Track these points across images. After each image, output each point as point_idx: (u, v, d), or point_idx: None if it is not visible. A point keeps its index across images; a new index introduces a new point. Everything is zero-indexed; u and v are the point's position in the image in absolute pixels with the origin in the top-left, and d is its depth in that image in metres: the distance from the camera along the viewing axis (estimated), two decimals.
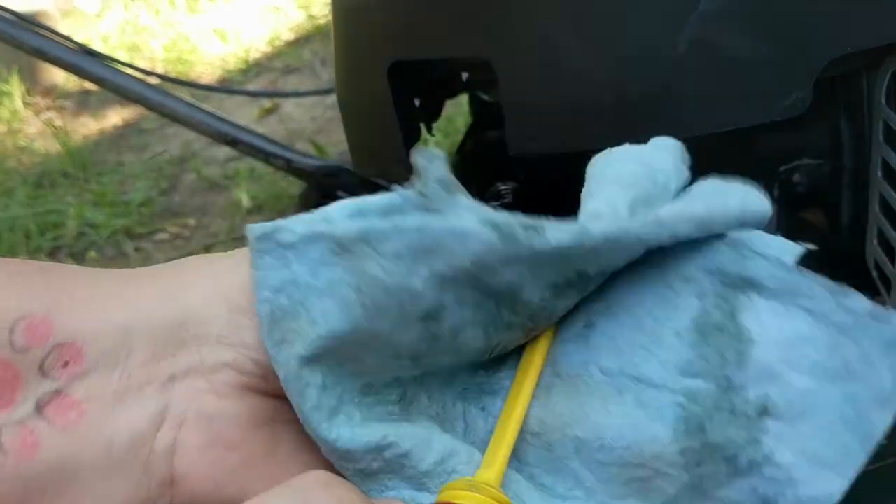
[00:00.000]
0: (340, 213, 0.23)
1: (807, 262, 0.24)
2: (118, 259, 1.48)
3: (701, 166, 0.49)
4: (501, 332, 0.25)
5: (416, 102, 0.52)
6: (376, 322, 0.23)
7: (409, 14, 0.43)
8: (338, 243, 0.23)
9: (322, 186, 1.17)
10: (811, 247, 0.25)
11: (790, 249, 0.24)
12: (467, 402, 0.27)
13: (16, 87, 2.31)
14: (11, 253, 1.52)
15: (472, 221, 0.22)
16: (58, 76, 2.36)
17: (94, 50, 1.18)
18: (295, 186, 1.43)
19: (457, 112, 1.54)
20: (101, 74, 1.11)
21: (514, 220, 0.23)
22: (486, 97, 0.54)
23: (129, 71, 1.16)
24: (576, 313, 0.26)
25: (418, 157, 0.23)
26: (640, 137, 0.40)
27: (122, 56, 1.98)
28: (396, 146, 0.46)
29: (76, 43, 1.16)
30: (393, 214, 0.23)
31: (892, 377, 0.22)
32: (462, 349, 0.25)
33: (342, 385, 0.24)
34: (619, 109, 0.39)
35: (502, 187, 0.50)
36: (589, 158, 0.42)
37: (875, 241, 0.45)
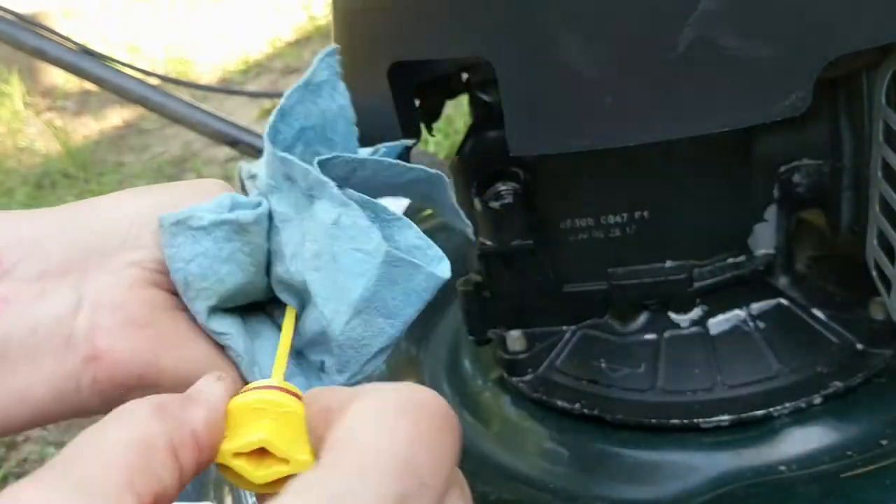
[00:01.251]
0: (225, 205, 0.32)
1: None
2: None
3: (701, 166, 0.49)
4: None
5: (416, 102, 0.52)
6: (258, 275, 0.34)
7: (408, 14, 0.43)
8: (240, 225, 0.32)
9: None
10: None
11: None
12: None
13: (16, 88, 2.32)
14: None
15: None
16: (58, 76, 2.36)
17: (94, 50, 1.18)
18: None
19: (457, 112, 1.54)
20: (101, 74, 1.11)
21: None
22: (486, 97, 0.54)
23: (129, 71, 1.16)
24: None
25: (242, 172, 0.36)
26: (640, 137, 0.40)
27: (122, 56, 1.98)
28: None
29: (76, 43, 1.16)
30: (260, 205, 0.33)
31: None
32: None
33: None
34: (619, 109, 0.39)
35: (502, 187, 0.50)
36: (589, 158, 0.42)
37: (875, 241, 0.45)
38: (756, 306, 0.52)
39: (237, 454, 0.27)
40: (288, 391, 0.29)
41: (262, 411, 0.28)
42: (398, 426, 0.22)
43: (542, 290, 0.53)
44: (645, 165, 0.49)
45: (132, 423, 0.24)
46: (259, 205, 0.33)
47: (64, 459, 0.22)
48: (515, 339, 0.55)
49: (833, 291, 0.52)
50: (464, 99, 0.58)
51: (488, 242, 0.51)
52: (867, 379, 0.49)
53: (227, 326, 0.33)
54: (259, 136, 1.16)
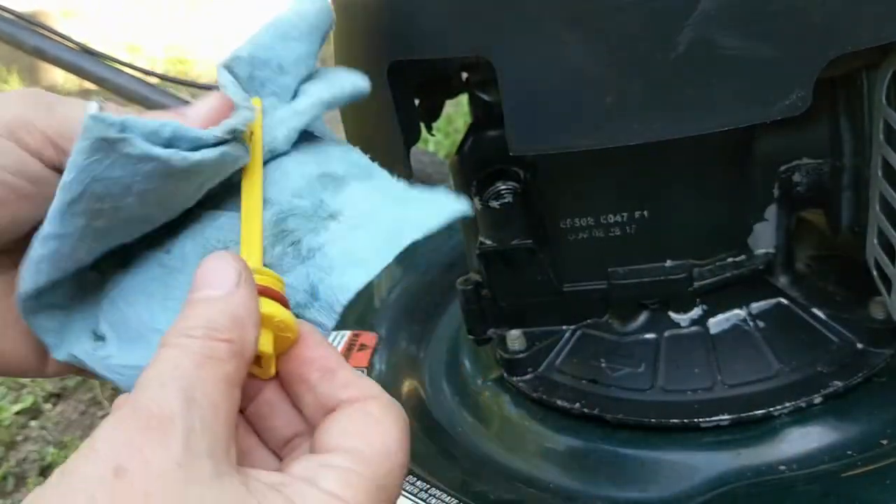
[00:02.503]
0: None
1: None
2: None
3: (701, 166, 0.49)
4: None
5: (416, 102, 0.52)
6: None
7: (408, 13, 0.43)
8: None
9: None
10: None
11: None
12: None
13: (15, 87, 2.32)
14: None
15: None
16: (58, 76, 2.36)
17: (94, 50, 1.18)
18: None
19: (457, 112, 1.54)
20: (101, 74, 1.11)
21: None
22: (486, 97, 0.54)
23: (129, 71, 1.16)
24: None
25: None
26: (640, 137, 0.40)
27: (122, 56, 1.98)
28: (396, 146, 0.46)
29: (76, 43, 1.16)
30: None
31: (434, 209, 0.32)
32: None
33: None
34: (619, 109, 0.39)
35: (502, 187, 0.50)
36: (589, 158, 0.42)
37: (875, 241, 0.45)
38: (756, 306, 0.52)
39: None
40: (282, 300, 0.30)
41: (267, 321, 0.29)
42: (404, 439, 0.28)
43: (542, 289, 0.53)
44: (645, 165, 0.49)
45: (218, 365, 0.26)
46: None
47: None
48: (515, 338, 0.55)
49: (833, 291, 0.52)
50: (464, 99, 0.58)
51: (488, 242, 0.51)
52: (867, 378, 0.49)
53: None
54: None
